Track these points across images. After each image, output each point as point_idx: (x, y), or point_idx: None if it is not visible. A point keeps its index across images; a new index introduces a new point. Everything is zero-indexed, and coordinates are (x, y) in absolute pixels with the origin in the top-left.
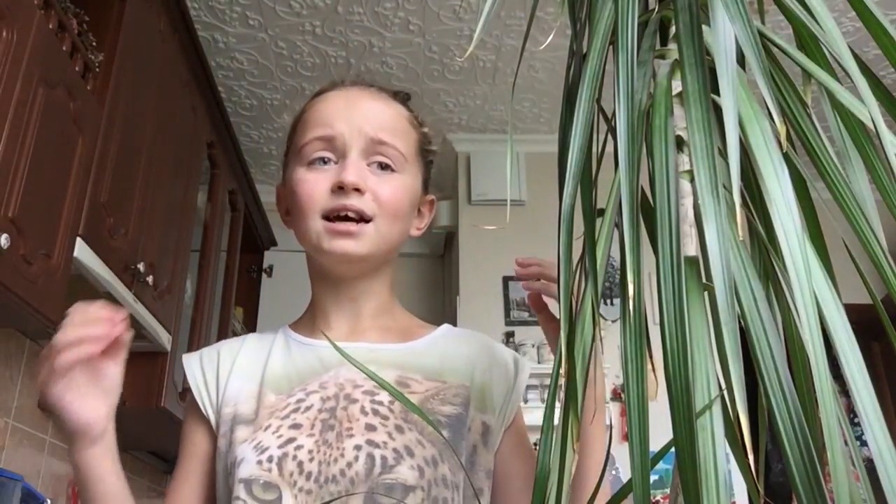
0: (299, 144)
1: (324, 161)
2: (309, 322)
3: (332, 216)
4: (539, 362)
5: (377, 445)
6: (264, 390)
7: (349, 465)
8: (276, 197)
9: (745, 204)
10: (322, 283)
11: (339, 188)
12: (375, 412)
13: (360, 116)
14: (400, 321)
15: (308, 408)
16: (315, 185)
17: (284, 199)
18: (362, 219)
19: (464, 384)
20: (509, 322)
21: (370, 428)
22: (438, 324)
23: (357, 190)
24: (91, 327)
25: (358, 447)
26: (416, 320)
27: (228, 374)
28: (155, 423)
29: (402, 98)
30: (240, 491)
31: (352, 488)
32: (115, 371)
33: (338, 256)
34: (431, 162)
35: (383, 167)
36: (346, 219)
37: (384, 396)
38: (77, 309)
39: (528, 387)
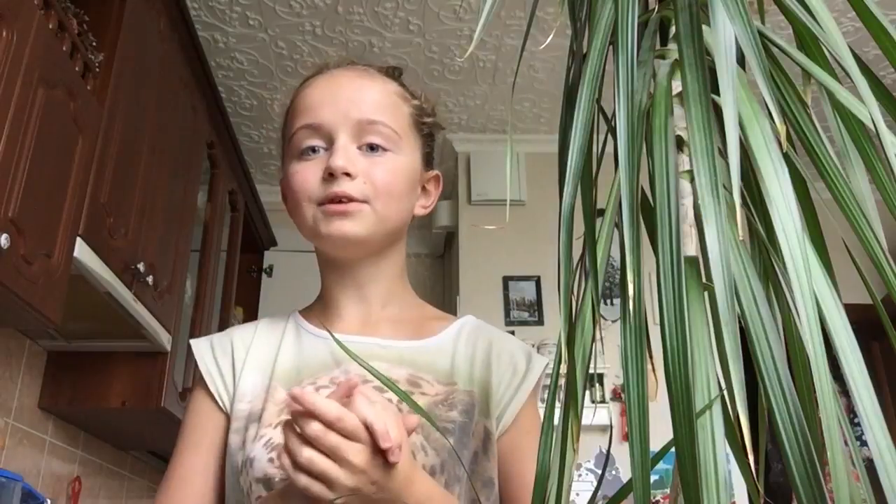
0: (289, 135)
1: (313, 150)
2: (320, 311)
3: (325, 203)
4: None
5: None
6: (274, 384)
7: None
8: (281, 191)
9: (745, 204)
10: (329, 271)
11: (330, 175)
12: None
13: (345, 99)
14: (412, 311)
15: None
16: (306, 175)
17: (286, 192)
18: (356, 201)
19: (468, 390)
20: (509, 322)
21: None
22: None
23: (347, 175)
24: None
25: None
26: (430, 310)
27: (243, 364)
28: (155, 423)
29: (391, 72)
30: (260, 490)
31: None
32: None
33: (336, 238)
34: (432, 134)
35: (374, 148)
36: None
37: (393, 395)
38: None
39: None
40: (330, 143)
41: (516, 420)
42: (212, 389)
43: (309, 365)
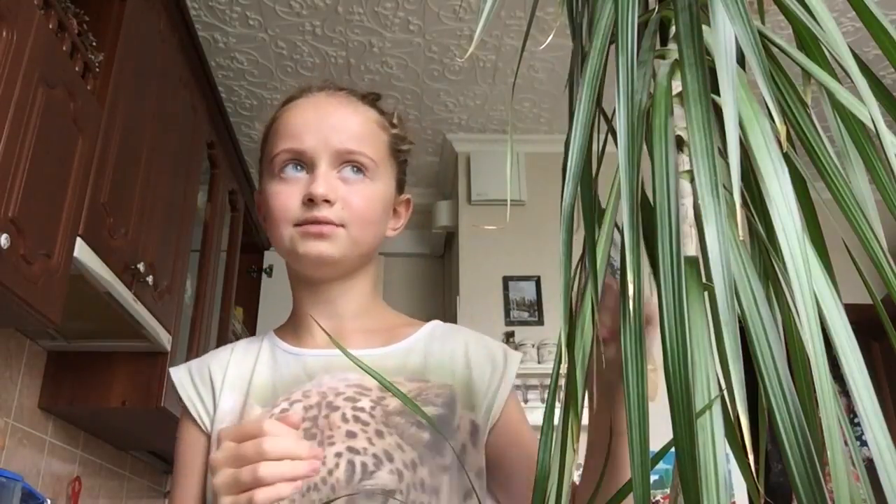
0: (270, 155)
1: (295, 167)
2: (292, 328)
3: (303, 224)
4: (539, 362)
5: (357, 452)
6: (250, 401)
7: (330, 472)
8: (257, 204)
9: (745, 204)
10: (301, 288)
11: (310, 200)
12: (356, 419)
13: (328, 128)
14: (385, 320)
15: None
16: (287, 198)
17: (262, 207)
18: (332, 224)
19: (446, 383)
20: (509, 322)
21: (351, 435)
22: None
23: (327, 201)
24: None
25: (339, 454)
26: (403, 318)
27: (221, 386)
28: (155, 423)
29: (372, 100)
30: None
31: (332, 496)
32: None
33: (312, 258)
34: (405, 161)
35: (356, 170)
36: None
37: (365, 402)
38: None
39: (529, 387)
40: (311, 167)
41: (505, 411)
42: (194, 415)
43: (283, 381)
